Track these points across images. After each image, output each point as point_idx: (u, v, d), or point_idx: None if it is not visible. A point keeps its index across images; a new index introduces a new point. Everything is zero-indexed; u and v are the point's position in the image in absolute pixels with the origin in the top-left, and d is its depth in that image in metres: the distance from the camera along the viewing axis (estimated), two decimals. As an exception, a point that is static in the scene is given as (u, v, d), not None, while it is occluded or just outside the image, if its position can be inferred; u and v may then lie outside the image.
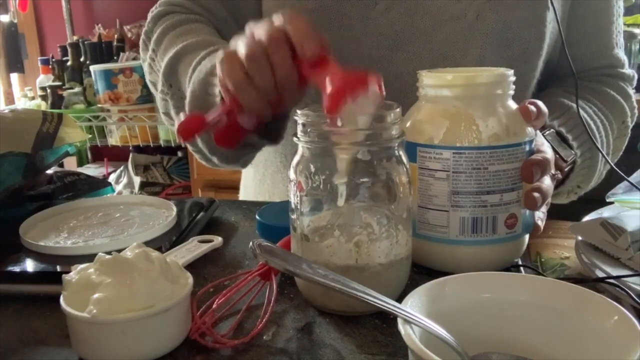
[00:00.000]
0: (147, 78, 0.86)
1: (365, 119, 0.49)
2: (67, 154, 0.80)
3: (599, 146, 0.72)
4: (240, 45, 0.57)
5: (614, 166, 0.65)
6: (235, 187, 1.06)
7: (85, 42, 2.36)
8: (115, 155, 2.61)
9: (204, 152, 0.72)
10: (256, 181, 0.96)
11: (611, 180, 0.68)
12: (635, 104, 0.86)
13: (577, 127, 0.74)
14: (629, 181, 0.62)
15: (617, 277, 0.53)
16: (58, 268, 0.59)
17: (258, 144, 0.70)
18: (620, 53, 0.88)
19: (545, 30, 0.78)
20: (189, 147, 0.75)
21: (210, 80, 0.66)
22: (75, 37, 2.54)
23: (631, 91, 0.87)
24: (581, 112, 0.71)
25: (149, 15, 0.85)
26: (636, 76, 0.91)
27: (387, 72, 0.76)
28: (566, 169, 0.73)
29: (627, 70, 0.88)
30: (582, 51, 0.83)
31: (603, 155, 0.68)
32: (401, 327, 0.37)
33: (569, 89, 0.81)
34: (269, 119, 0.61)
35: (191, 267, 0.56)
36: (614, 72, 0.87)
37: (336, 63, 0.54)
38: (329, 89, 0.50)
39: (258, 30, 0.57)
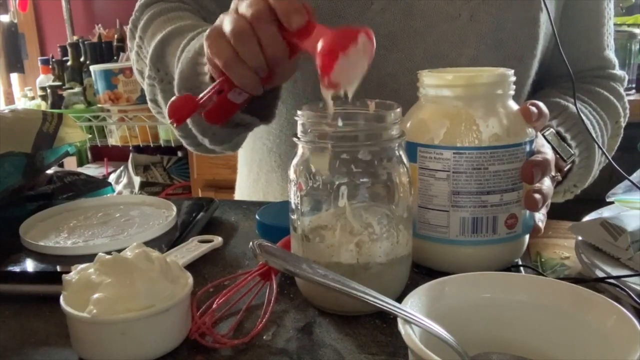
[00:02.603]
0: (134, 67, 0.84)
1: (360, 71, 0.49)
2: (67, 154, 0.80)
3: (599, 144, 0.72)
4: (226, 22, 0.56)
5: (614, 164, 0.65)
6: (235, 187, 1.06)
7: (85, 42, 2.36)
8: (115, 155, 2.61)
9: (195, 134, 0.70)
10: (250, 180, 0.96)
11: (611, 180, 0.68)
12: (627, 104, 0.87)
13: (575, 126, 0.74)
14: (630, 180, 0.62)
15: (617, 277, 0.53)
16: (58, 268, 0.59)
17: (250, 124, 0.69)
18: (611, 54, 0.89)
19: (539, 31, 0.78)
20: (176, 132, 0.73)
21: (199, 60, 0.65)
22: (75, 37, 2.54)
23: (622, 91, 0.88)
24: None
25: (137, 4, 0.84)
26: (627, 77, 0.91)
27: (382, 72, 0.76)
28: (565, 169, 0.74)
29: (618, 71, 0.89)
30: (574, 52, 0.83)
31: (604, 153, 0.68)
32: (401, 327, 0.37)
33: (563, 89, 0.81)
34: (260, 92, 0.60)
35: (191, 267, 0.56)
36: (605, 73, 0.88)
37: (323, 26, 0.53)
38: (320, 47, 0.49)
39: (242, 5, 0.56)
